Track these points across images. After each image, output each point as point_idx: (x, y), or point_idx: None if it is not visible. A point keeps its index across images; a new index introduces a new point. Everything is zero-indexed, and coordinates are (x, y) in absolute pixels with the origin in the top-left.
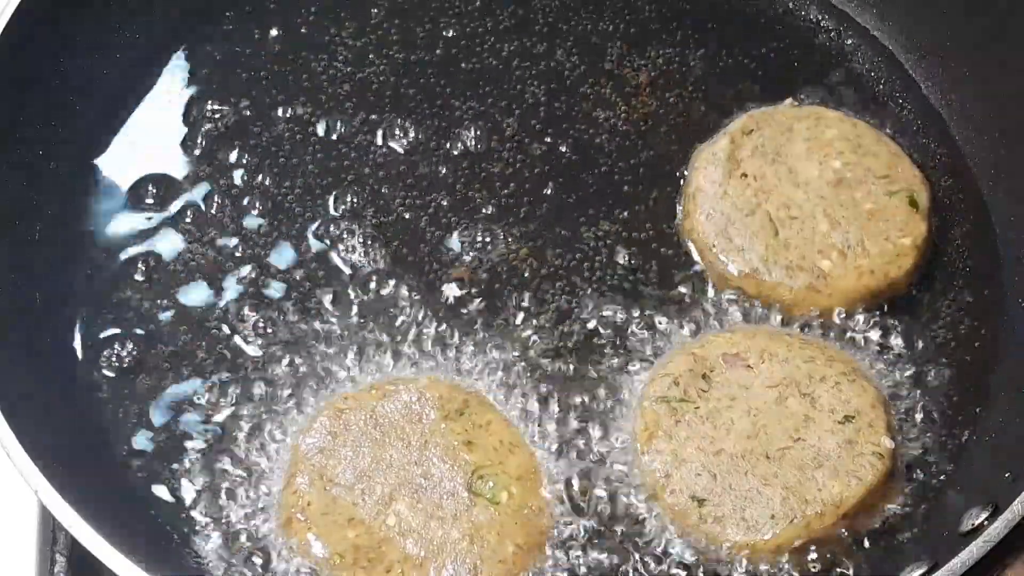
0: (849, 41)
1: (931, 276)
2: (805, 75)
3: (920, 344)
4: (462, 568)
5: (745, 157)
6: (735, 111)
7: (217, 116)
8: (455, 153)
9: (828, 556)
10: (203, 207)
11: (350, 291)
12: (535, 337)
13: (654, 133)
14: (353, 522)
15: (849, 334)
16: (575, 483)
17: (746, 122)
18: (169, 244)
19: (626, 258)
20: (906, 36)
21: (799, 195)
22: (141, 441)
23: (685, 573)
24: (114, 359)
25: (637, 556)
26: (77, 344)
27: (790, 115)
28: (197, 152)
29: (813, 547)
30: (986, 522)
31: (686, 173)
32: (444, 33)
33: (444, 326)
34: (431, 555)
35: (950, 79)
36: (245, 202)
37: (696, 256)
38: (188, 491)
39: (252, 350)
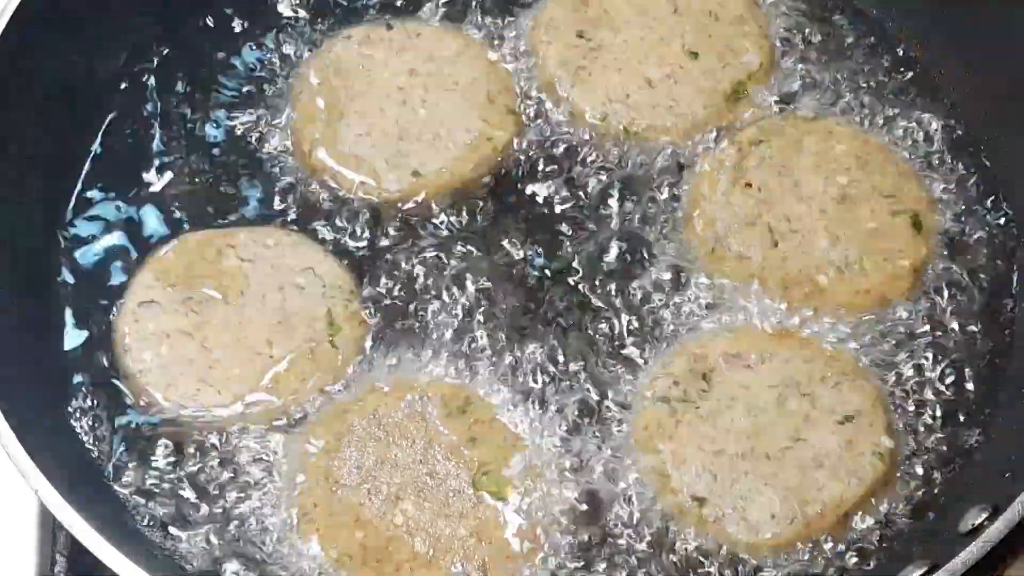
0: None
1: (937, 275)
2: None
3: (921, 344)
4: (470, 565)
5: (751, 167)
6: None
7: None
8: None
9: (828, 556)
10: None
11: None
12: (535, 336)
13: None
14: (360, 522)
15: (850, 334)
16: (577, 480)
17: (755, 132)
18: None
19: (627, 258)
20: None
21: (802, 209)
22: (142, 441)
23: (685, 573)
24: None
25: (637, 555)
26: (78, 344)
27: (801, 128)
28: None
29: (813, 547)
30: (986, 522)
31: (691, 178)
32: None
33: (444, 324)
34: (439, 553)
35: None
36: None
37: (696, 260)
38: (190, 492)
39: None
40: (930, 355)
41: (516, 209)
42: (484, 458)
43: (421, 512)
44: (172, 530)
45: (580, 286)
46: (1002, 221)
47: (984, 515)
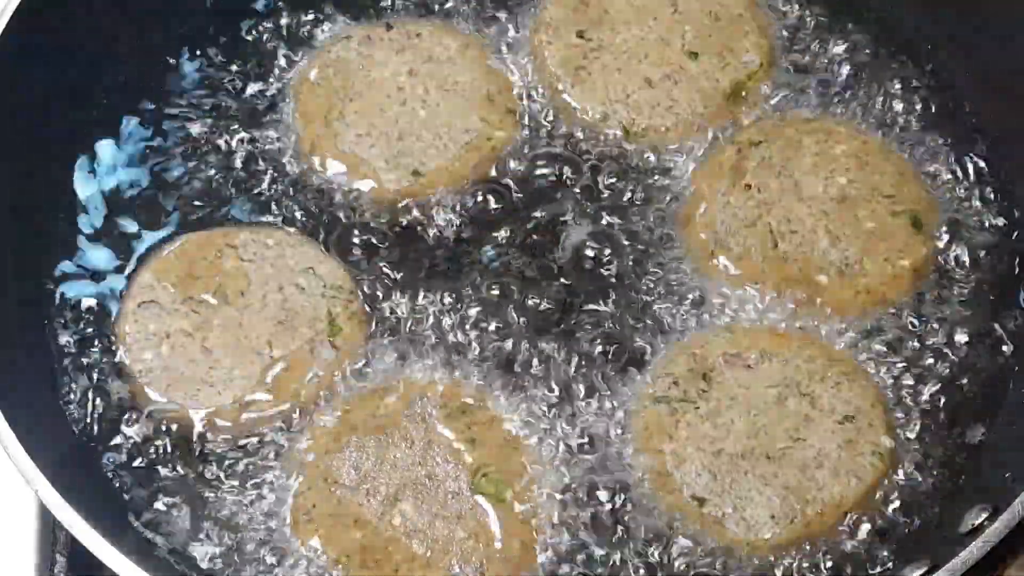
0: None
1: (937, 275)
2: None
3: (922, 343)
4: (468, 567)
5: (751, 168)
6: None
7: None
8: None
9: (828, 556)
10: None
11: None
12: (535, 336)
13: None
14: (359, 523)
15: (850, 334)
16: (577, 481)
17: (754, 133)
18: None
19: (626, 259)
20: None
21: (802, 209)
22: (142, 441)
23: (686, 572)
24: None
25: (637, 555)
26: (79, 344)
27: (800, 128)
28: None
29: (813, 547)
30: (986, 522)
31: (691, 178)
32: None
33: (444, 325)
34: (437, 554)
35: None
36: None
37: (696, 260)
38: (190, 492)
39: None
40: (930, 355)
41: (515, 209)
42: (483, 460)
43: (419, 513)
44: (172, 530)
45: (580, 286)
46: (1003, 221)
47: (984, 515)
